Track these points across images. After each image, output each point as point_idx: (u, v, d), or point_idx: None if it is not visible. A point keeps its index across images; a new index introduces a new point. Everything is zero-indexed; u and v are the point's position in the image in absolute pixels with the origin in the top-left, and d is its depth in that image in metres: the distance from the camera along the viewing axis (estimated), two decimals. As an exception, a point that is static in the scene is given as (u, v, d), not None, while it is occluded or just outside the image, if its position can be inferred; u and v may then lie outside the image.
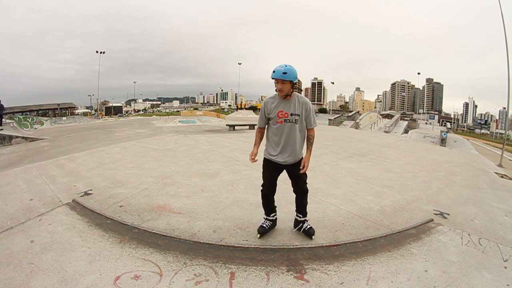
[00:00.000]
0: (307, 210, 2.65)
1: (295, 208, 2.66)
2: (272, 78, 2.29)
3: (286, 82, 2.27)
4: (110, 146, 8.08)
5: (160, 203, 3.39)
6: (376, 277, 1.94)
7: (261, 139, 2.58)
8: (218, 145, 8.30)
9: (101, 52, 43.48)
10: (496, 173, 6.29)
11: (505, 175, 6.17)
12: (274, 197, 2.62)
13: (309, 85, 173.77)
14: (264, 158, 2.55)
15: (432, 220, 2.97)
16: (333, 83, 79.28)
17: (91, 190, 3.84)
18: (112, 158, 6.19)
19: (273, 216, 2.67)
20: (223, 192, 3.84)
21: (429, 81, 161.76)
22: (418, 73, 78.37)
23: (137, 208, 3.22)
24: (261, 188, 2.59)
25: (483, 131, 68.65)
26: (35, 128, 21.63)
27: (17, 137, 11.85)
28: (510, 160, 11.71)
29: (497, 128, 61.98)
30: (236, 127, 14.89)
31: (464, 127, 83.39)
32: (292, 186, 2.60)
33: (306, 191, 2.57)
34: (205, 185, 4.16)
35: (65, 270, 1.96)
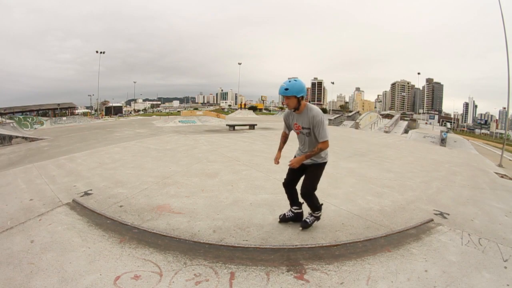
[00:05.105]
0: (315, 207, 2.69)
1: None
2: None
3: (290, 98, 2.35)
4: (110, 146, 8.08)
5: (160, 203, 3.39)
6: (376, 277, 1.94)
7: (284, 143, 2.79)
8: (218, 145, 8.30)
9: (101, 52, 43.56)
10: (496, 173, 6.29)
11: (505, 175, 6.18)
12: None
13: (309, 85, 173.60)
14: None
15: (432, 220, 2.97)
16: (333, 83, 79.24)
17: (91, 190, 3.84)
18: (112, 158, 6.20)
19: (295, 210, 2.81)
20: (223, 192, 3.84)
21: (429, 81, 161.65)
22: (418, 73, 78.45)
23: (137, 208, 3.22)
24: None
25: (483, 131, 68.63)
26: (35, 128, 21.65)
27: (17, 137, 11.85)
28: (510, 160, 11.71)
29: (497, 128, 62.01)
30: (236, 127, 14.90)
31: (464, 127, 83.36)
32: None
33: (308, 193, 2.57)
34: (205, 185, 4.16)
35: (65, 270, 1.96)
